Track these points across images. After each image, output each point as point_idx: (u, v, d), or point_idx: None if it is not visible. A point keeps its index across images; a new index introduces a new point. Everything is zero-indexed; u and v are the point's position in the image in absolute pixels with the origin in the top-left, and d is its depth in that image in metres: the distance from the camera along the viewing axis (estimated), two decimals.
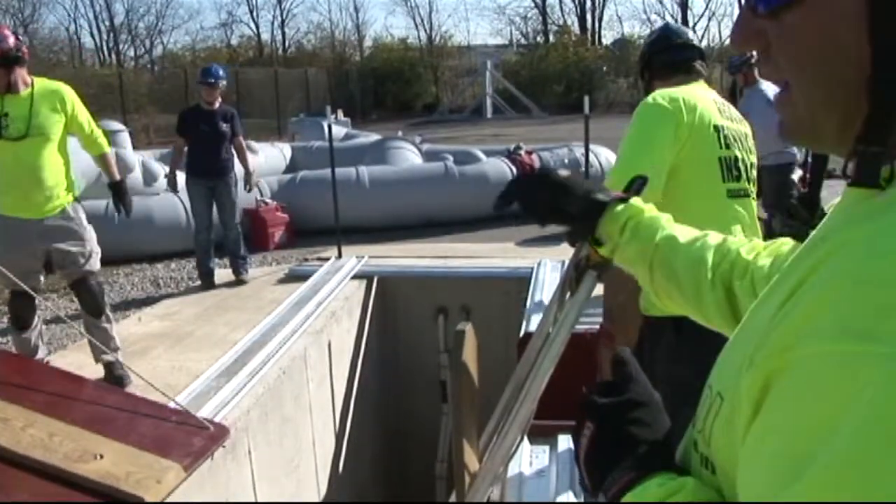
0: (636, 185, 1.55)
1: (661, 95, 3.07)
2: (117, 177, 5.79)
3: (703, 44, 3.53)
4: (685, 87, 3.19)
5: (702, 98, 3.15)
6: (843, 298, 0.63)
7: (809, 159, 9.54)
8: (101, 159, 5.70)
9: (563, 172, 1.60)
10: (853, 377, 0.59)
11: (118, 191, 5.80)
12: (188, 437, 4.01)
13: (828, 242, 0.73)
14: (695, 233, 1.46)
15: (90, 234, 5.45)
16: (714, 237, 1.44)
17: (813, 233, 0.85)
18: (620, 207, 1.48)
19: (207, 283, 8.11)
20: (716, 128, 3.10)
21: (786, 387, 0.65)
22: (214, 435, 4.10)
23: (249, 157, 8.53)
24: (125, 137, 14.98)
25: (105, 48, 52.75)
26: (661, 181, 2.97)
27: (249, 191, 8.50)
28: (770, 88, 8.33)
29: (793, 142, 0.88)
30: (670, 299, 1.46)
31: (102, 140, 5.63)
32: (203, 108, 8.18)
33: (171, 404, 4.34)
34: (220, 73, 8.27)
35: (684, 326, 2.25)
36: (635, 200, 1.50)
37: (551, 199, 1.54)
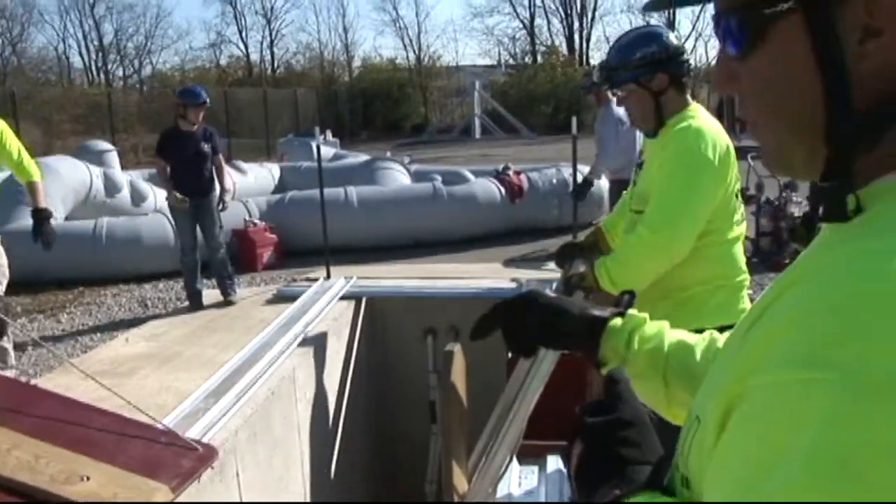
0: (626, 300, 1.48)
1: (704, 142, 3.04)
2: (42, 204, 5.84)
3: (691, 63, 3.48)
4: (707, 120, 3.19)
5: (723, 133, 3.16)
6: (798, 327, 0.65)
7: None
8: (31, 186, 5.79)
9: (550, 293, 1.57)
10: (804, 405, 0.60)
11: (38, 219, 5.83)
12: (176, 459, 3.98)
13: (794, 271, 0.76)
14: (697, 336, 1.38)
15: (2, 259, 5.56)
16: (717, 334, 1.38)
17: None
18: (620, 322, 1.41)
19: (195, 303, 8.08)
20: (733, 165, 3.15)
21: (744, 413, 0.67)
22: (203, 456, 4.08)
23: (228, 176, 8.54)
24: (113, 157, 14.96)
25: (94, 68, 52.88)
26: (699, 232, 3.03)
27: (223, 210, 8.48)
28: (620, 109, 8.63)
29: (775, 173, 0.91)
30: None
31: (33, 168, 5.75)
32: (183, 128, 8.15)
33: (159, 425, 4.32)
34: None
35: None
36: (632, 312, 1.44)
37: (542, 323, 1.44)
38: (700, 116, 3.19)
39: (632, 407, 1.04)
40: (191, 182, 8.03)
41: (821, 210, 0.80)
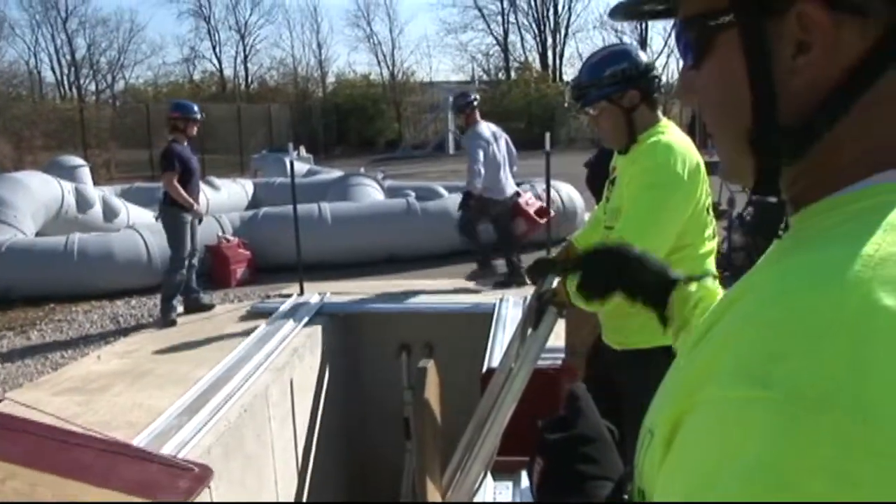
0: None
1: (674, 158, 3.06)
2: None
3: (663, 79, 3.49)
4: (678, 135, 3.22)
5: (693, 148, 3.19)
6: (740, 344, 0.66)
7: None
8: None
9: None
10: (743, 422, 0.61)
11: None
12: (173, 480, 3.96)
13: (740, 285, 0.77)
14: None
15: None
16: None
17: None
18: (693, 287, 1.47)
19: (174, 321, 8.10)
20: (704, 180, 3.17)
21: (689, 430, 0.68)
22: (199, 476, 4.05)
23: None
24: (85, 173, 14.91)
25: (66, 82, 52.57)
26: (669, 247, 3.06)
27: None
28: (487, 128, 8.93)
29: (733, 183, 0.94)
30: None
31: None
32: (182, 142, 8.26)
33: (151, 448, 4.28)
34: None
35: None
36: (707, 281, 1.50)
37: (621, 269, 1.54)
38: (670, 132, 3.21)
39: (591, 423, 1.05)
40: (194, 195, 8.22)
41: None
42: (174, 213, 8.17)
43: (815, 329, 0.62)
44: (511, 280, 8.98)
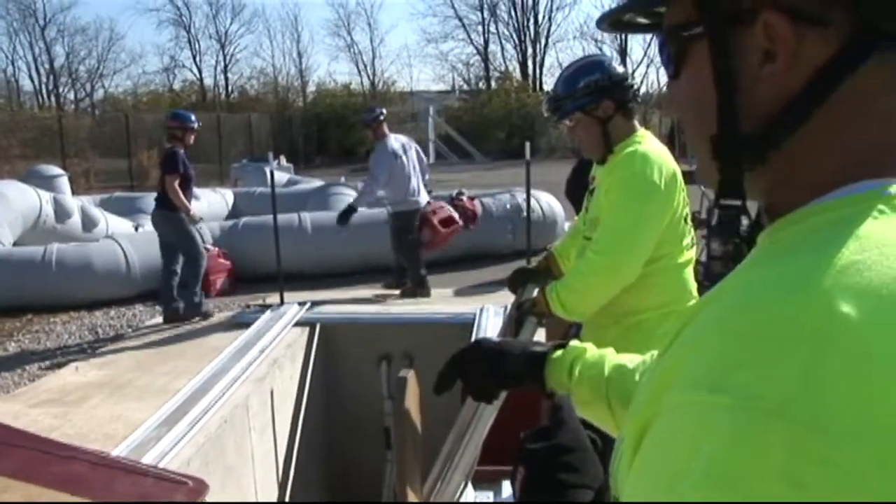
0: (572, 332, 1.53)
1: (651, 167, 3.09)
2: None
3: (643, 90, 3.51)
4: (654, 145, 3.24)
5: (670, 158, 3.21)
6: (703, 351, 0.68)
7: None
8: None
9: (495, 338, 1.60)
10: (702, 427, 0.63)
11: None
12: (168, 494, 3.92)
13: (710, 294, 0.78)
14: (639, 357, 1.42)
15: None
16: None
17: None
18: (560, 353, 1.44)
19: (206, 312, 8.42)
20: (681, 189, 3.19)
21: (653, 435, 0.69)
22: (194, 490, 4.02)
23: None
24: (64, 182, 14.82)
25: (44, 91, 52.26)
26: (647, 256, 3.07)
27: None
28: (395, 141, 9.05)
29: (706, 186, 0.96)
30: None
31: None
32: (180, 149, 8.41)
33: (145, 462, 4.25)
34: None
35: None
36: (574, 343, 1.47)
37: (490, 369, 1.49)
38: (647, 142, 3.23)
39: (573, 432, 1.07)
40: (189, 200, 8.38)
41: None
42: (174, 217, 8.24)
43: (775, 339, 0.64)
44: (418, 292, 9.10)
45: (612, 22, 0.98)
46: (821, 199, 0.77)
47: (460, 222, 9.63)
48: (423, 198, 9.33)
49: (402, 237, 9.17)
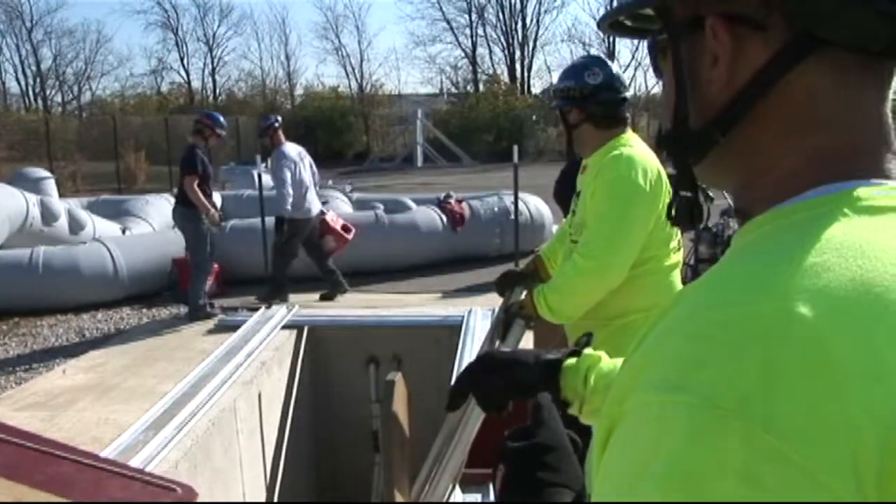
0: (583, 342, 1.49)
1: (635, 169, 3.12)
2: None
3: (630, 92, 3.56)
4: (640, 147, 3.27)
5: (656, 160, 3.24)
6: (663, 353, 0.69)
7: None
8: None
9: (504, 348, 1.58)
10: (661, 426, 0.64)
11: None
12: (157, 499, 3.91)
13: (674, 297, 0.79)
14: None
15: None
16: None
17: None
18: (575, 361, 1.42)
19: (209, 313, 8.53)
20: (667, 191, 3.21)
21: (617, 435, 0.70)
22: (183, 497, 4.01)
23: None
24: (51, 185, 14.74)
25: (31, 93, 52.04)
26: (633, 259, 3.10)
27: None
28: (293, 149, 9.03)
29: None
30: None
31: None
32: (201, 147, 8.57)
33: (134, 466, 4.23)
34: None
35: None
36: (588, 351, 1.46)
37: (504, 381, 1.45)
38: (631, 145, 3.26)
39: (553, 432, 1.08)
40: (209, 198, 8.55)
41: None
42: (192, 215, 8.32)
43: (733, 339, 0.65)
44: (334, 292, 9.17)
45: (612, 24, 1.01)
46: (788, 201, 0.78)
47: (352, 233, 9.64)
48: (316, 207, 9.30)
49: (285, 244, 9.06)
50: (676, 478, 0.61)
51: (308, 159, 9.26)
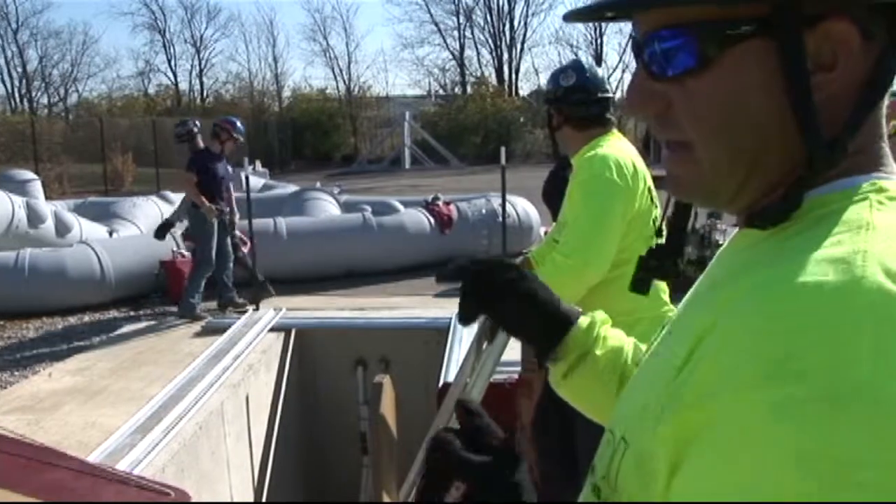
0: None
1: (609, 167, 3.15)
2: None
3: (618, 95, 3.59)
4: (617, 146, 3.29)
5: (634, 157, 3.26)
6: (762, 344, 0.66)
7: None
8: None
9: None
10: (785, 420, 0.62)
11: None
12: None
13: (726, 289, 0.77)
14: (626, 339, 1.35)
15: None
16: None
17: (701, 279, 0.90)
18: (590, 320, 1.31)
19: (198, 315, 8.58)
20: (648, 189, 3.22)
21: (720, 436, 0.66)
22: (176, 499, 3.99)
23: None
24: (37, 187, 14.69)
25: (17, 95, 51.73)
26: (613, 256, 3.11)
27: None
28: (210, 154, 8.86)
29: (686, 198, 0.92)
30: None
31: None
32: (215, 149, 8.90)
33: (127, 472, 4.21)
34: None
35: None
36: (599, 313, 1.36)
37: (522, 306, 1.31)
38: (609, 143, 3.30)
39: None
40: (221, 199, 8.71)
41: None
42: (198, 214, 8.51)
43: (838, 325, 0.64)
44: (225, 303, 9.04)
45: (581, 13, 0.92)
46: (810, 193, 0.79)
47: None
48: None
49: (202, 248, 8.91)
50: (818, 470, 0.60)
51: (224, 163, 9.16)
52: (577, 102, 3.38)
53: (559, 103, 3.40)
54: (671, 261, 0.98)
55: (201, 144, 9.05)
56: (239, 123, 9.11)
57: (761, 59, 0.78)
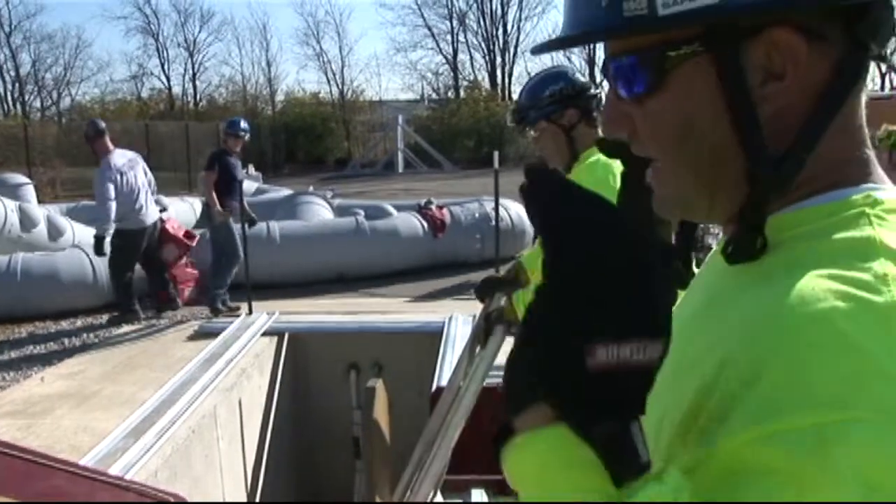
0: None
1: (613, 174, 3.11)
2: None
3: (601, 98, 3.57)
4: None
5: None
6: (808, 368, 0.64)
7: None
8: None
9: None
10: (843, 445, 0.61)
11: None
12: None
13: (734, 309, 0.75)
14: None
15: None
16: None
17: (692, 286, 0.89)
18: None
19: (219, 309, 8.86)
20: None
21: (748, 472, 0.64)
22: None
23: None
24: (30, 191, 14.66)
25: (10, 98, 51.61)
26: None
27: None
28: (121, 157, 8.93)
29: (666, 214, 0.92)
30: None
31: None
32: (231, 152, 9.13)
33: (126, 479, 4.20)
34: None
35: None
36: None
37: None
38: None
39: None
40: (232, 201, 8.91)
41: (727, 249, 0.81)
42: (216, 213, 8.78)
43: (878, 350, 0.63)
44: (164, 308, 9.08)
45: (549, 45, 0.92)
46: (800, 204, 0.78)
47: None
48: (152, 216, 9.06)
49: (117, 256, 8.83)
50: (880, 497, 0.59)
51: (141, 164, 9.11)
52: (589, 98, 3.35)
53: (576, 100, 3.34)
54: (679, 264, 0.96)
55: (109, 146, 8.88)
56: (239, 122, 9.34)
57: (704, 76, 0.79)
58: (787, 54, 0.76)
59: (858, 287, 0.67)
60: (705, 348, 0.74)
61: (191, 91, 53.78)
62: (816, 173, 0.79)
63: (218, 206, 8.58)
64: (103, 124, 9.21)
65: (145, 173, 9.13)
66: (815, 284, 0.68)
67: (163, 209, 10.08)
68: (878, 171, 0.80)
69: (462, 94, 49.22)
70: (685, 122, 0.81)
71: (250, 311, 8.55)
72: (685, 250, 0.95)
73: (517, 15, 52.40)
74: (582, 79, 3.37)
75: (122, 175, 8.70)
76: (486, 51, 51.95)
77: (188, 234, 9.55)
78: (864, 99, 0.81)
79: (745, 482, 0.64)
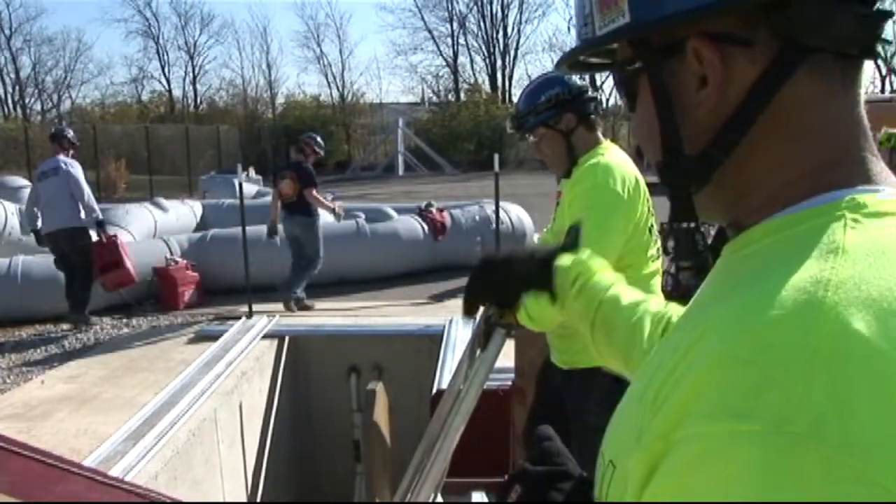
0: (572, 235, 1.57)
1: (613, 177, 3.11)
2: None
3: (611, 102, 3.57)
4: (617, 156, 3.27)
5: (632, 167, 3.24)
6: (716, 381, 0.65)
7: None
8: None
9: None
10: (729, 458, 0.61)
11: None
12: None
13: (703, 315, 0.77)
14: (639, 296, 1.47)
15: None
16: (655, 303, 1.45)
17: (694, 297, 0.91)
18: (568, 263, 1.51)
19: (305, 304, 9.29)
20: (647, 198, 3.21)
21: (670, 468, 0.67)
22: None
23: None
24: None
25: (10, 101, 51.71)
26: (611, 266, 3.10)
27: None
28: (73, 164, 8.87)
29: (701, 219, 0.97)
30: (612, 358, 1.47)
31: None
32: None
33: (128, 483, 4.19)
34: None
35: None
36: (583, 256, 1.55)
37: (505, 273, 1.56)
38: (609, 153, 3.27)
39: (573, 462, 1.10)
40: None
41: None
42: (313, 223, 9.51)
43: (792, 361, 0.63)
44: (81, 319, 8.94)
45: (571, 63, 1.03)
46: (785, 211, 0.78)
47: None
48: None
49: (78, 255, 8.87)
50: None
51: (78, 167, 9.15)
52: (587, 101, 3.36)
53: (573, 104, 3.34)
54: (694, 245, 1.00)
55: (70, 151, 8.99)
56: (319, 139, 9.92)
57: (646, 90, 0.89)
58: (705, 62, 0.81)
59: (799, 296, 0.67)
60: (671, 350, 0.75)
61: (191, 94, 53.97)
62: (793, 179, 0.79)
63: (336, 206, 9.59)
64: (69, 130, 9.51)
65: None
66: (764, 295, 0.69)
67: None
68: (876, 170, 0.79)
69: (462, 96, 49.35)
70: (646, 131, 0.91)
71: (250, 314, 8.55)
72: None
73: (517, 18, 52.58)
74: (579, 83, 3.37)
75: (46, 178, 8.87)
76: (486, 53, 52.13)
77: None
78: (860, 100, 0.81)
79: (657, 488, 0.68)
